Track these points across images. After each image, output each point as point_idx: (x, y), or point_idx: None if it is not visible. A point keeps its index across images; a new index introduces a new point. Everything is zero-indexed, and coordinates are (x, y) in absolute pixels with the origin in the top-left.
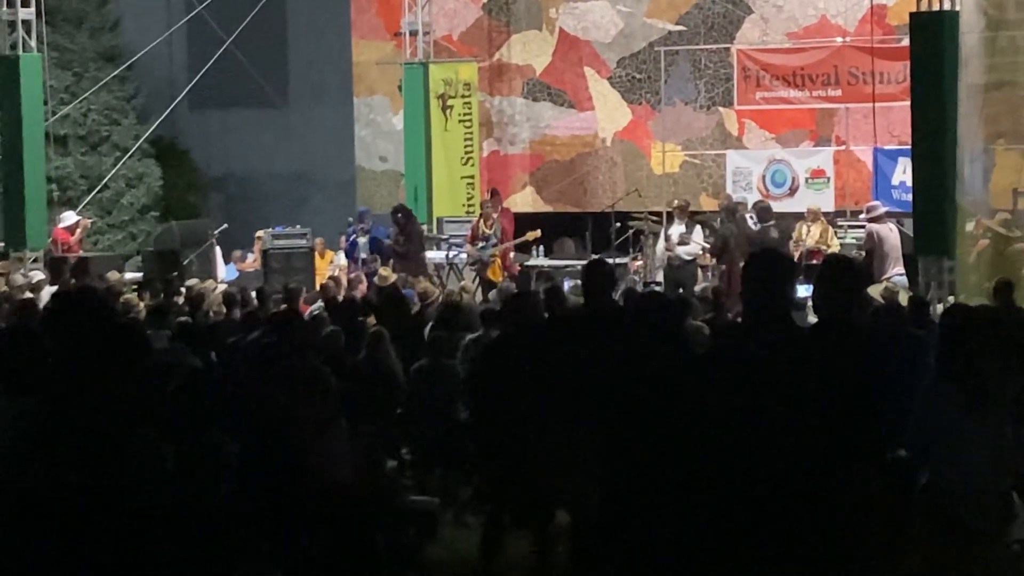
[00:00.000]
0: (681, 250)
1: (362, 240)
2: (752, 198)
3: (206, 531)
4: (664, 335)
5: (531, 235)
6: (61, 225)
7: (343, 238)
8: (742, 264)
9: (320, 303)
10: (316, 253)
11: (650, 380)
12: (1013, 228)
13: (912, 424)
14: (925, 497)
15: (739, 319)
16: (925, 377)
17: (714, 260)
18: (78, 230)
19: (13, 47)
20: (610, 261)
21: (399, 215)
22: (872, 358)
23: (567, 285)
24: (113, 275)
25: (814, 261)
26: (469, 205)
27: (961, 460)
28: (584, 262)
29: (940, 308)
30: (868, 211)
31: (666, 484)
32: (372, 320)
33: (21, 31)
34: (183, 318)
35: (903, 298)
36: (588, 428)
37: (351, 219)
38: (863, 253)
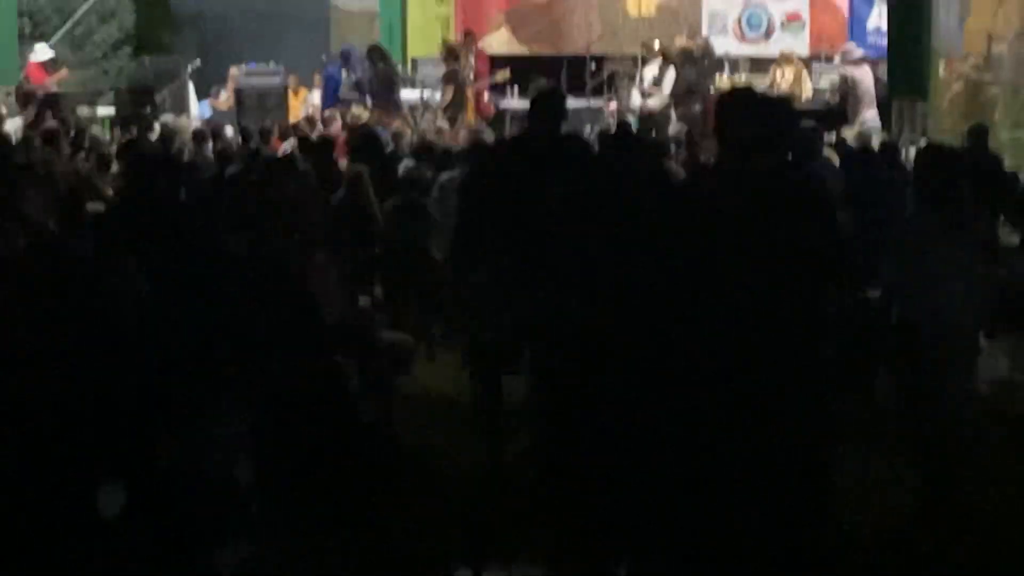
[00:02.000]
0: (650, 102)
1: (345, 78)
2: (727, 41)
3: (178, 362)
4: (640, 173)
5: (500, 76)
6: (35, 59)
7: (317, 76)
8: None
9: (292, 140)
10: (290, 91)
11: (628, 217)
12: (985, 72)
13: (888, 257)
14: (897, 334)
15: (712, 161)
16: (897, 217)
17: (676, 108)
18: (56, 76)
19: None
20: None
21: (374, 55)
22: (845, 198)
23: None
24: (85, 110)
25: None
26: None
27: (936, 292)
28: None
29: (914, 151)
30: (844, 55)
31: (641, 322)
32: (344, 160)
33: None
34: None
35: (875, 143)
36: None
37: (324, 57)
38: (837, 96)
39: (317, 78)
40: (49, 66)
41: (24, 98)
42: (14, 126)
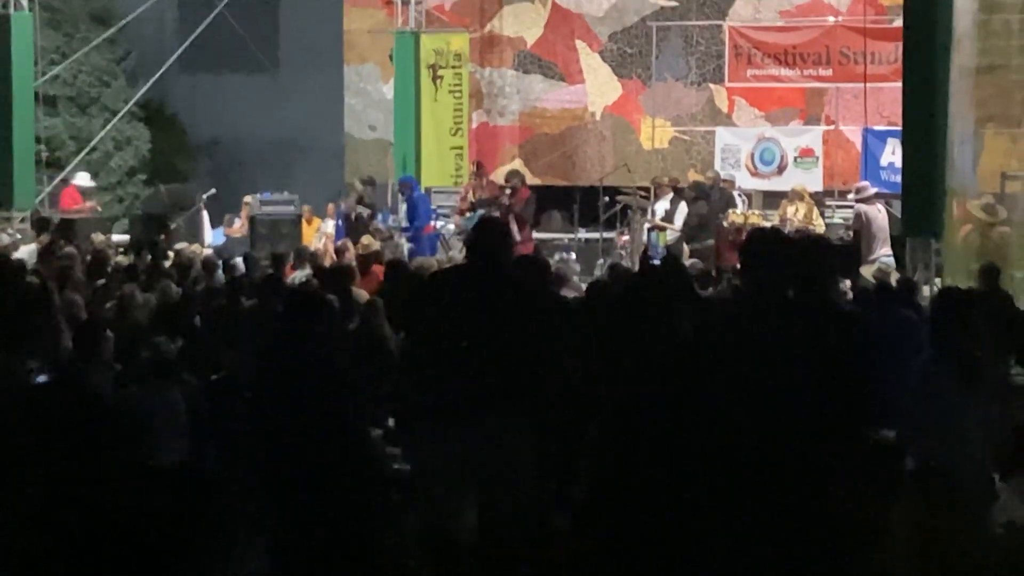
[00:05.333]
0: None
1: (403, 208)
2: (740, 176)
3: (204, 493)
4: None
5: None
6: (76, 182)
7: (330, 205)
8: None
9: (308, 270)
10: (303, 220)
11: (649, 355)
12: (994, 212)
13: (907, 403)
14: (914, 478)
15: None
16: (913, 357)
17: (687, 242)
18: (87, 205)
19: (4, 5)
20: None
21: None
22: (860, 338)
23: (557, 257)
24: (99, 237)
25: None
26: (458, 176)
27: (955, 439)
28: (571, 235)
29: (927, 290)
30: (857, 192)
31: (652, 462)
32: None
33: None
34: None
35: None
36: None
37: (341, 190)
38: (851, 233)
39: (331, 207)
40: (85, 192)
41: (39, 224)
42: (28, 252)
